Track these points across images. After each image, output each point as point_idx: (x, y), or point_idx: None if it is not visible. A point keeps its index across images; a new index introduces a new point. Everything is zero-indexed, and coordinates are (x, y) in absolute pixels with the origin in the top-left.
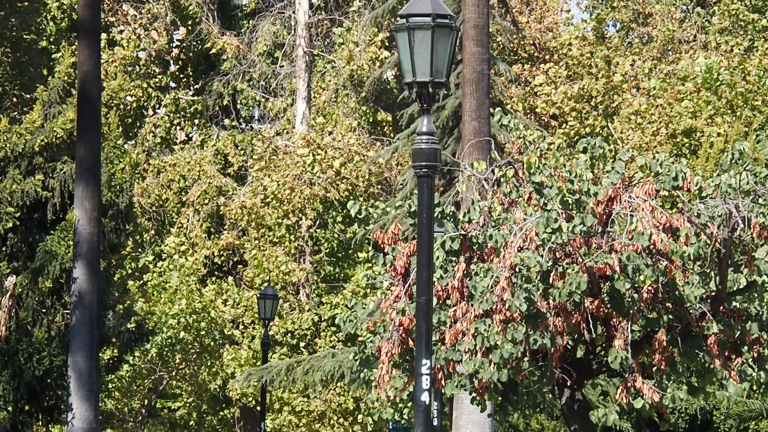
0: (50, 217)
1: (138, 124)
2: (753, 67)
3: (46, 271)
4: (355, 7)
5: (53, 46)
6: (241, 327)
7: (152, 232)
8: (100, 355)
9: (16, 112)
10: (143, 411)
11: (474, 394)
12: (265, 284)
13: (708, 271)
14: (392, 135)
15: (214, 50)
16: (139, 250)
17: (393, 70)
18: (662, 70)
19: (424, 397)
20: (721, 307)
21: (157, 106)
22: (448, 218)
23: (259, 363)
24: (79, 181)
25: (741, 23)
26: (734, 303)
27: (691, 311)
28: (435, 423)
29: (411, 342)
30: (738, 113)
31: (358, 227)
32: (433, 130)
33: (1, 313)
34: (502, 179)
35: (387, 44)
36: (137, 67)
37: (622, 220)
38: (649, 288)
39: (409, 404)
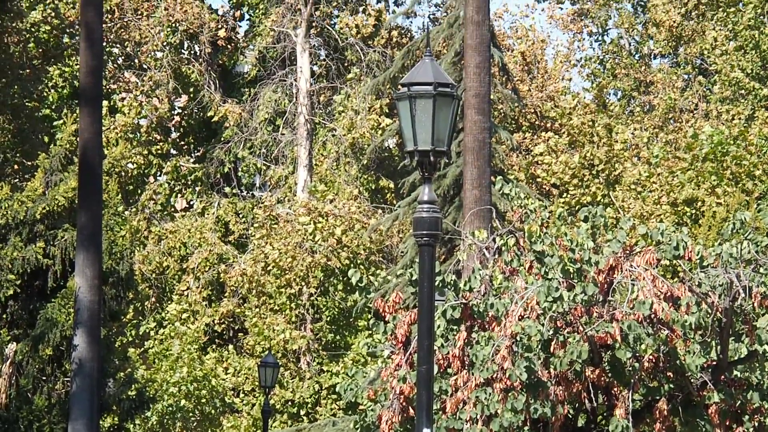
0: (51, 285)
1: (139, 191)
2: (754, 136)
3: (46, 338)
4: (353, 74)
5: (55, 114)
6: (241, 395)
7: (153, 299)
8: (101, 422)
9: (17, 180)
10: None
11: None
12: (266, 352)
13: (709, 340)
14: (394, 201)
15: (215, 118)
16: (140, 317)
17: (394, 137)
18: (663, 139)
19: None
20: (723, 377)
21: (158, 173)
22: (449, 287)
23: (259, 431)
24: (79, 248)
25: (742, 92)
26: (735, 372)
27: (692, 380)
28: None
29: (412, 410)
30: (740, 183)
31: (359, 295)
32: (435, 199)
33: (2, 381)
34: (503, 248)
35: (387, 111)
36: (138, 134)
37: (623, 289)
38: (650, 357)
39: None
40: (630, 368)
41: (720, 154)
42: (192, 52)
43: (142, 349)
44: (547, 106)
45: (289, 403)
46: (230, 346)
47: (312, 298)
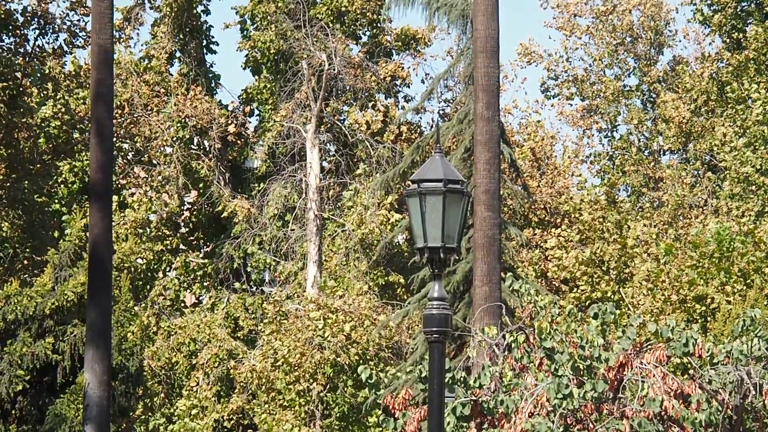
0: (60, 381)
1: (148, 286)
2: (763, 233)
3: None
4: (362, 170)
5: (65, 209)
6: None
7: (162, 395)
8: None
9: (27, 275)
10: None
11: None
12: None
13: None
14: (404, 297)
15: (225, 213)
16: (149, 413)
17: (404, 233)
18: (671, 236)
19: None
20: None
21: (168, 268)
22: (458, 383)
23: None
24: (89, 344)
25: (752, 188)
26: None
27: None
28: None
29: None
30: (749, 281)
31: (369, 392)
32: (444, 296)
33: None
34: (513, 344)
35: (397, 207)
36: (148, 229)
37: (633, 386)
38: None
39: None
40: None
41: (726, 251)
42: (201, 147)
43: None
44: (560, 199)
45: None
46: None
47: (321, 394)
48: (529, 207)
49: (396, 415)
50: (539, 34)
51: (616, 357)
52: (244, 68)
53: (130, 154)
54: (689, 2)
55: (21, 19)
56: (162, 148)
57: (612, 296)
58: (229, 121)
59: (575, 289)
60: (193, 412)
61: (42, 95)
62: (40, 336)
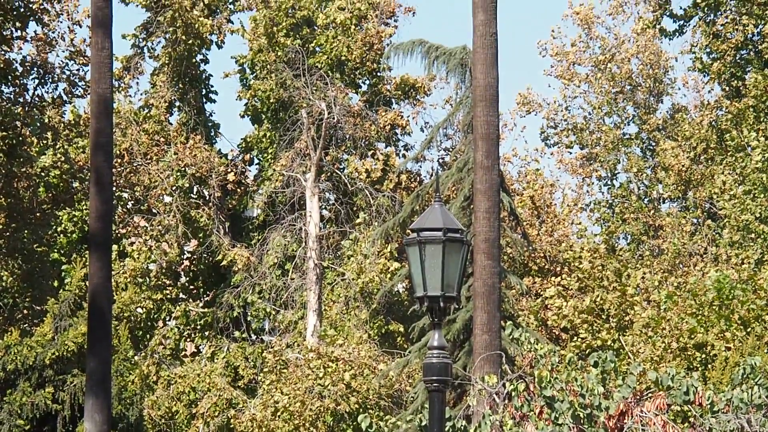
0: (60, 430)
1: (148, 335)
2: (763, 280)
3: None
4: (362, 219)
5: (64, 258)
6: None
7: None
8: None
9: (27, 325)
10: None
11: None
12: None
13: None
14: (404, 345)
15: (224, 262)
16: None
17: (404, 282)
18: (672, 284)
19: None
20: None
21: (168, 317)
22: None
23: None
24: (89, 394)
25: (751, 236)
26: None
27: None
28: None
29: None
30: (750, 329)
31: None
32: (444, 345)
33: None
34: (513, 393)
35: (396, 255)
36: (148, 278)
37: None
38: None
39: None
40: None
41: (726, 299)
42: (201, 196)
43: None
44: (560, 247)
45: None
46: None
47: None
48: (529, 255)
49: None
50: (538, 82)
51: (616, 405)
52: (244, 117)
53: (129, 203)
54: (688, 50)
55: (20, 69)
56: (161, 197)
57: (612, 344)
58: (229, 170)
59: (575, 338)
60: None
61: (41, 144)
62: (40, 386)
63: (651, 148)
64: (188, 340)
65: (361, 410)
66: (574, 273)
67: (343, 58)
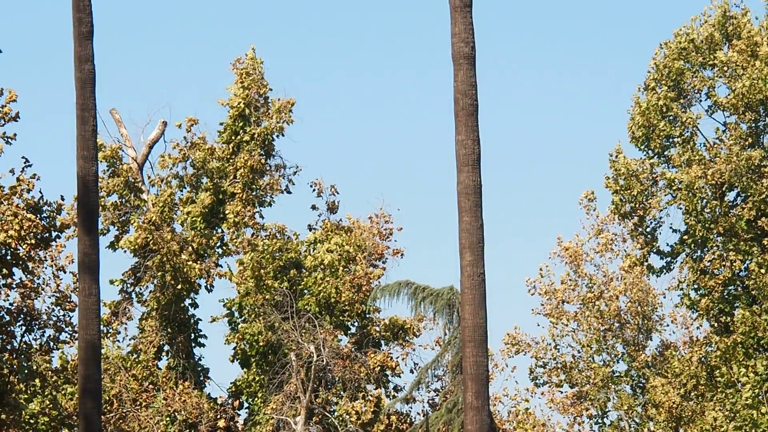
0: None
1: None
2: None
3: None
4: None
5: None
6: None
7: None
8: None
9: None
10: None
11: None
12: None
13: None
14: None
15: None
16: None
17: None
18: None
19: None
20: None
21: None
22: None
23: None
24: None
25: None
26: None
27: None
28: None
29: None
30: None
31: None
32: None
33: None
34: None
35: None
36: None
37: None
38: None
39: None
40: None
41: None
42: None
43: None
44: None
45: None
46: None
47: None
48: None
49: None
50: (526, 319)
51: None
52: (233, 361)
53: None
54: (676, 287)
55: (7, 317)
56: None
57: None
58: (219, 416)
59: None
60: None
61: (29, 391)
62: None
63: (641, 385)
64: None
65: None
66: None
67: (332, 300)
